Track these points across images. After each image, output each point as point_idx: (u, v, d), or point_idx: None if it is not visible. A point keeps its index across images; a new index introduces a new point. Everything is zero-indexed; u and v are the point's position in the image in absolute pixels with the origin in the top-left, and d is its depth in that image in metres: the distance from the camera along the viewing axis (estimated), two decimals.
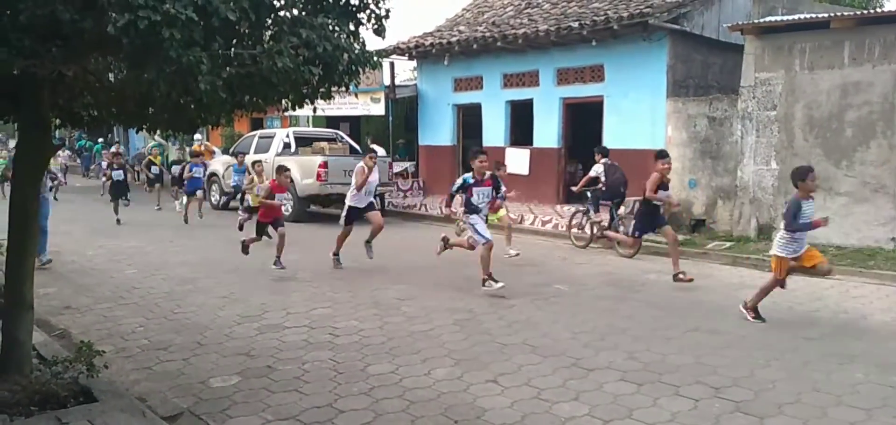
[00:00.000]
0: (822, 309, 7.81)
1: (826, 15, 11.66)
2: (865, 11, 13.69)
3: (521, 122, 16.36)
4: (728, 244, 11.73)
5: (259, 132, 17.73)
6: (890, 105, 10.68)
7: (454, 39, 16.46)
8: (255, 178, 11.59)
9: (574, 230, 12.44)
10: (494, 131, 16.64)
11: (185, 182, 15.48)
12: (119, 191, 14.92)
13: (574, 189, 12.47)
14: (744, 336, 6.59)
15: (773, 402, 4.91)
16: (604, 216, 11.83)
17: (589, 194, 12.04)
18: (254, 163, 12.59)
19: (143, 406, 4.67)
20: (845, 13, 12.02)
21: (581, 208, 12.45)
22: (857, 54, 10.95)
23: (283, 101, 5.21)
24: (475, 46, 15.96)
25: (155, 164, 19.44)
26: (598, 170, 11.92)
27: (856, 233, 10.95)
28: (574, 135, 15.91)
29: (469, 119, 17.57)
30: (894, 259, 10.09)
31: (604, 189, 11.69)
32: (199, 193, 15.10)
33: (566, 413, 4.73)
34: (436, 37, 17.37)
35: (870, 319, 7.32)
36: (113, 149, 22.00)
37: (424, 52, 17.41)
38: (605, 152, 12.25)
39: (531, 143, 15.92)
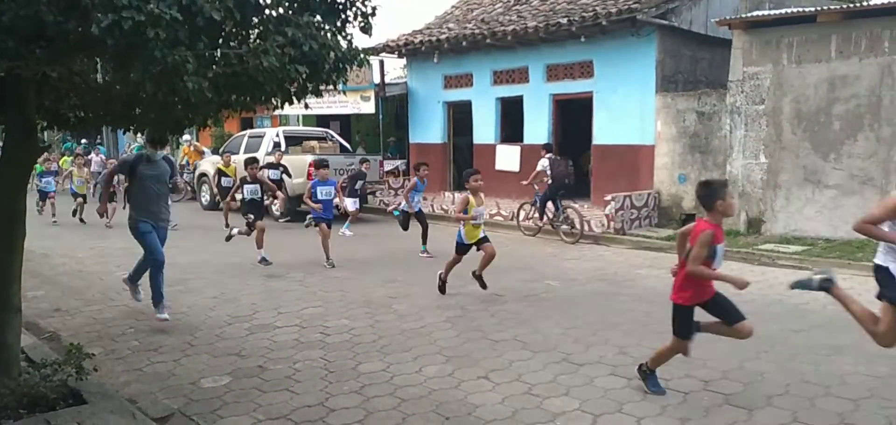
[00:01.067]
0: (811, 301, 7.83)
1: (812, 9, 11.71)
2: (851, 5, 13.75)
3: (511, 119, 16.38)
4: None
5: (249, 132, 17.69)
6: (877, 98, 10.75)
7: (443, 37, 16.45)
8: (471, 198, 8.00)
9: (523, 220, 13.47)
10: (485, 128, 16.64)
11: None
12: (253, 212, 10.08)
13: (524, 183, 13.40)
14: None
15: (763, 394, 4.95)
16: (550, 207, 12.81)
17: (536, 187, 12.94)
18: (472, 174, 8.32)
19: (133, 407, 4.66)
20: (831, 7, 12.07)
21: (529, 200, 13.37)
22: (844, 47, 11.02)
23: (272, 100, 5.21)
24: (464, 43, 15.95)
25: (227, 175, 14.71)
26: (543, 164, 12.75)
27: (844, 225, 11.00)
28: (564, 131, 15.93)
29: (459, 116, 17.56)
30: None
31: (549, 182, 12.50)
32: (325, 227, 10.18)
33: (557, 408, 4.75)
34: (425, 34, 17.35)
35: None
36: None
37: (414, 50, 17.38)
38: (550, 148, 13.47)
39: (522, 140, 15.93)
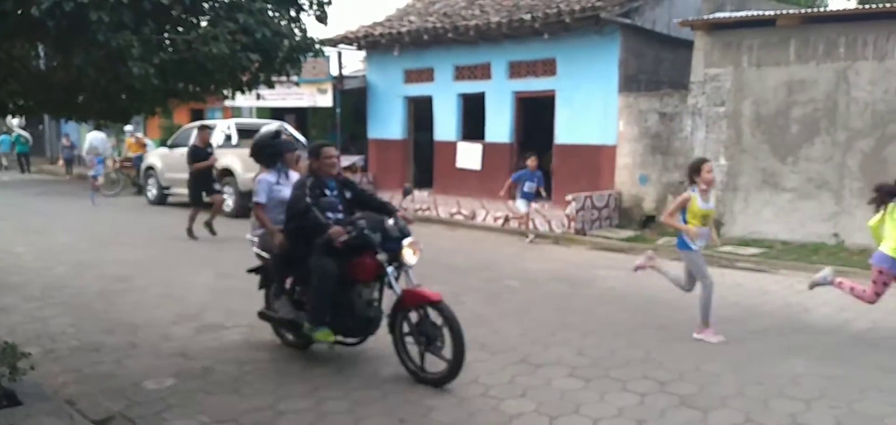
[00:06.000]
0: (767, 302, 7.91)
1: (772, 12, 11.84)
2: (810, 10, 13.97)
3: (472, 116, 16.25)
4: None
5: (199, 123, 17.10)
6: (833, 103, 10.90)
7: (404, 29, 16.24)
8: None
9: None
10: (446, 125, 16.48)
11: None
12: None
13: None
14: (689, 330, 6.61)
15: (718, 395, 4.94)
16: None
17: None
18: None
19: (71, 409, 4.46)
20: (791, 11, 12.23)
21: None
22: (802, 52, 11.15)
23: (223, 90, 5.03)
24: (426, 37, 15.78)
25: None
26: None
27: (801, 228, 11.16)
28: (527, 129, 15.87)
29: (420, 112, 17.37)
30: (836, 254, 10.30)
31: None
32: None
33: (513, 409, 4.69)
34: (385, 26, 17.11)
35: (812, 313, 7.43)
36: None
37: (373, 42, 17.13)
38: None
39: (483, 138, 15.83)
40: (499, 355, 5.76)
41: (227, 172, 14.73)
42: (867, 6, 10.84)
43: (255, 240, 6.02)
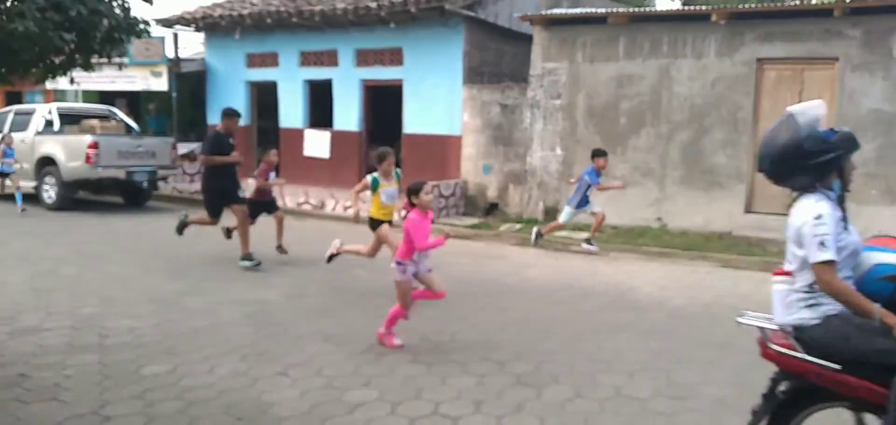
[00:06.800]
0: (597, 283, 8.42)
1: (604, 10, 12.58)
2: (638, 9, 14.96)
3: (320, 104, 16.01)
4: (518, 226, 12.31)
5: (15, 108, 15.46)
6: (657, 97, 11.77)
7: (246, 12, 15.69)
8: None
9: None
10: (292, 112, 16.13)
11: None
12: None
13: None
14: (527, 311, 6.92)
15: (550, 373, 5.18)
16: None
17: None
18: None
19: None
20: (621, 10, 13.03)
21: None
22: (631, 49, 11.94)
23: (33, 71, 4.62)
24: (269, 21, 15.34)
25: None
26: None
27: (628, 213, 11.96)
28: (376, 118, 15.84)
29: (264, 98, 16.87)
30: (659, 237, 11.15)
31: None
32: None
33: (356, 399, 4.66)
34: (226, 8, 16.44)
35: (637, 292, 8.00)
36: None
37: (213, 24, 16.42)
38: None
39: (331, 126, 15.63)
40: (344, 346, 5.72)
41: (49, 161, 13.56)
42: (688, 8, 11.77)
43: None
